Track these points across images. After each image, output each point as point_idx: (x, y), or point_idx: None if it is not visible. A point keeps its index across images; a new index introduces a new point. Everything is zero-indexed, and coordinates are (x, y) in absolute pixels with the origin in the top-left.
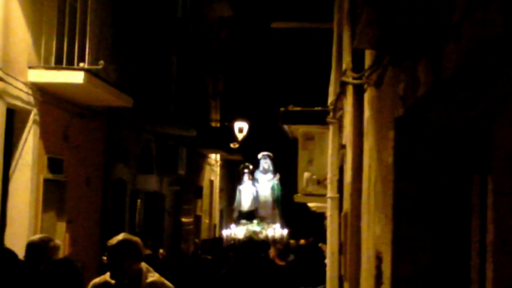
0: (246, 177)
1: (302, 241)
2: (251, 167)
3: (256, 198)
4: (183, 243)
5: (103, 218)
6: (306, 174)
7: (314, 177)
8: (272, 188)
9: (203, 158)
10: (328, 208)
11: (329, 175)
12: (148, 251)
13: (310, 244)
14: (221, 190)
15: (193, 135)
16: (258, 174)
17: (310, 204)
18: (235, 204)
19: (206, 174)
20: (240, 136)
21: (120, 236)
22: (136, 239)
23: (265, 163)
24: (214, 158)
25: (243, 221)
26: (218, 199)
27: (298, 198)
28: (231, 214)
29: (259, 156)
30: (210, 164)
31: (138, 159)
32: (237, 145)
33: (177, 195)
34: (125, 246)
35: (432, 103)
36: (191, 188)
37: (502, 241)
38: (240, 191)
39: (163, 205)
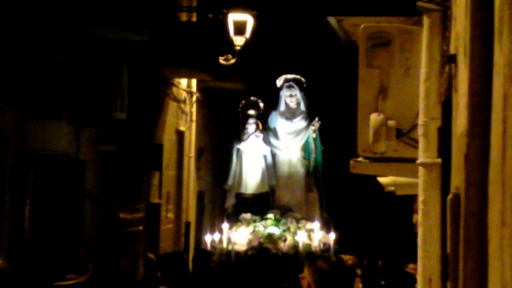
0: (251, 127)
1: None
2: (261, 105)
3: (271, 170)
4: (123, 261)
5: None
6: (374, 118)
7: (391, 122)
8: (305, 148)
9: (164, 87)
10: (420, 186)
11: (420, 119)
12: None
13: (388, 265)
14: (200, 152)
15: (143, 40)
16: (276, 120)
17: (382, 180)
18: (230, 181)
19: (169, 119)
20: (239, 42)
21: None
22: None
23: (291, 96)
24: (186, 86)
25: (247, 215)
26: (194, 170)
27: (359, 166)
28: (222, 201)
29: (279, 82)
30: (177, 100)
31: (31, 90)
32: (232, 61)
33: (110, 164)
34: None
35: None
36: (139, 149)
37: None
38: (239, 155)
39: (82, 183)
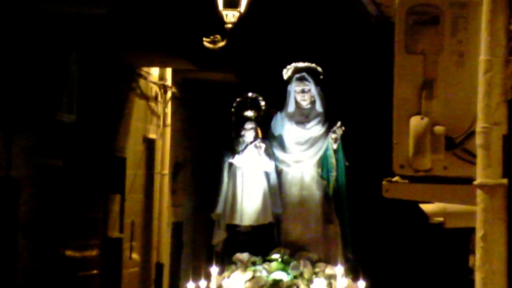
0: (248, 134)
1: None
2: (262, 104)
3: (276, 193)
4: None
5: None
6: (416, 123)
7: (439, 129)
8: (323, 163)
9: (129, 79)
10: (479, 216)
11: (479, 125)
12: None
13: None
14: (177, 168)
15: (100, 15)
16: (283, 125)
17: (427, 208)
18: (219, 208)
19: (135, 123)
20: (230, 18)
21: None
22: None
23: (303, 91)
24: (159, 79)
25: (243, 255)
26: (168, 193)
27: (394, 189)
28: (208, 236)
29: (287, 73)
30: (146, 97)
31: None
32: (222, 43)
33: (54, 183)
34: None
35: None
36: (94, 164)
37: None
38: (232, 172)
39: (15, 209)
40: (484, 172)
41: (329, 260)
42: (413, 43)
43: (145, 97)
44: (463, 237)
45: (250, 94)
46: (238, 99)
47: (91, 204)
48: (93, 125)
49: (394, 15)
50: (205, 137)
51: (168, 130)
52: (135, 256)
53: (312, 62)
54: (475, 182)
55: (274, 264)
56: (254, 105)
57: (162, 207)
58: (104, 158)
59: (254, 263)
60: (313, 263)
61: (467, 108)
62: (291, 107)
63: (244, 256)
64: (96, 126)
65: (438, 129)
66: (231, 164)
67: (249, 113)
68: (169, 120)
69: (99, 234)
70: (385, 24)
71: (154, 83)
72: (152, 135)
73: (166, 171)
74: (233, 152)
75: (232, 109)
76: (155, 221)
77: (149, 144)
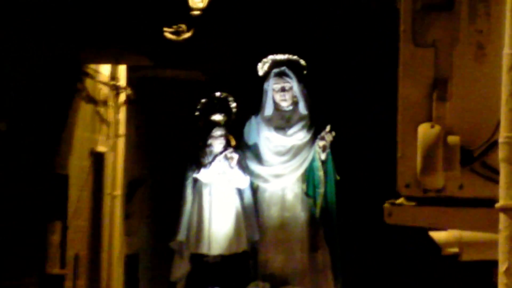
0: (217, 143)
1: None
2: (233, 105)
3: (252, 215)
4: None
5: None
6: (426, 131)
7: (453, 139)
8: (309, 177)
9: (72, 79)
10: (501, 246)
11: (502, 134)
12: None
13: None
14: (132, 187)
15: None
16: (258, 132)
17: (439, 236)
18: (181, 235)
19: (80, 133)
20: (198, 4)
21: None
22: None
23: (284, 90)
24: (110, 78)
25: None
26: (121, 219)
27: (399, 213)
28: (169, 268)
29: (263, 67)
30: (95, 101)
31: None
32: (187, 34)
33: None
34: None
35: None
36: (28, 183)
37: None
38: (197, 190)
39: None
40: (508, 192)
41: None
42: (423, 33)
43: (93, 100)
44: (483, 272)
45: (218, 94)
46: (203, 100)
47: (26, 234)
48: (28, 135)
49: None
50: (167, 150)
51: (121, 142)
52: None
53: (293, 54)
54: (498, 205)
55: None
56: (223, 107)
57: (113, 236)
58: (41, 176)
59: None
60: None
61: (487, 113)
62: (268, 110)
63: None
64: (32, 137)
65: (452, 139)
66: (196, 180)
67: (217, 117)
68: (122, 129)
69: (36, 271)
70: (389, 9)
71: (104, 83)
72: (101, 148)
73: (118, 191)
74: (199, 165)
75: (197, 113)
76: (104, 254)
77: (98, 159)
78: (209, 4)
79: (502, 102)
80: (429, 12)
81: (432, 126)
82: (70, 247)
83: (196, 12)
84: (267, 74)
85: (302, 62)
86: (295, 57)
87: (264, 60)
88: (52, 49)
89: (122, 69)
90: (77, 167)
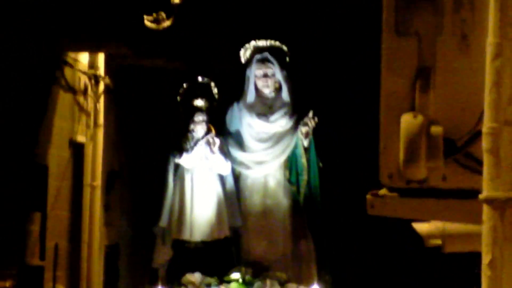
0: (198, 128)
1: None
2: (215, 91)
3: (234, 201)
4: None
5: None
6: (408, 121)
7: (436, 129)
8: (291, 164)
9: (50, 67)
10: (485, 238)
11: (486, 124)
12: None
13: None
14: (112, 178)
15: None
16: (241, 118)
17: (421, 227)
18: (163, 220)
19: (59, 123)
20: None
21: None
22: None
23: (266, 76)
24: (88, 67)
25: (194, 276)
26: (101, 210)
27: (381, 205)
28: (150, 258)
29: (245, 53)
30: (73, 90)
31: None
32: (167, 23)
33: None
34: None
35: None
36: (7, 174)
37: None
38: (179, 175)
39: None
40: (492, 183)
41: (301, 281)
42: (405, 22)
43: (72, 90)
44: (466, 264)
45: (200, 79)
46: (185, 85)
47: (5, 225)
48: (5, 126)
49: None
50: (147, 139)
51: (101, 131)
52: (59, 287)
53: (276, 40)
54: (481, 196)
55: (234, 285)
56: (205, 92)
57: (93, 226)
58: (20, 166)
59: (209, 285)
60: (282, 284)
61: (471, 103)
62: (250, 96)
63: (196, 276)
64: (9, 127)
65: (436, 129)
66: (177, 166)
67: (199, 103)
68: (101, 118)
69: (14, 262)
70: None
71: (83, 72)
72: (80, 138)
73: (98, 182)
74: (180, 150)
75: (178, 98)
76: (84, 245)
77: (77, 149)
78: None
79: (486, 92)
80: (412, 1)
81: (415, 116)
82: (50, 237)
83: (176, 1)
84: (249, 61)
85: (285, 48)
86: (277, 43)
87: (246, 46)
88: (30, 37)
89: (101, 58)
90: (57, 157)
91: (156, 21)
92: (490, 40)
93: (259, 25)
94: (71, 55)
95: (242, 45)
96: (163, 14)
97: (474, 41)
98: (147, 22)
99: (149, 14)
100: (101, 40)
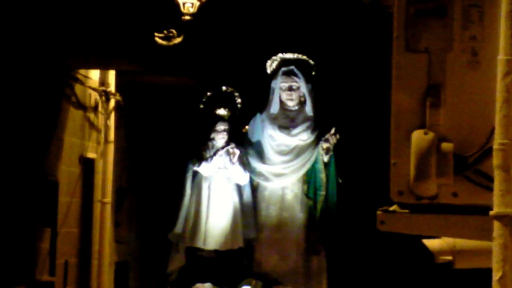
0: (219, 137)
1: None
2: (238, 101)
3: (250, 213)
4: None
5: None
6: (419, 138)
7: (447, 146)
8: (310, 178)
9: (61, 84)
10: (495, 254)
11: (497, 141)
12: None
13: None
14: (122, 194)
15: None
16: (263, 130)
17: (432, 244)
18: (178, 227)
19: (69, 139)
20: (189, 9)
21: None
22: None
23: (291, 89)
24: (99, 84)
25: (205, 286)
26: (111, 226)
27: (392, 220)
28: (157, 277)
29: (271, 65)
30: (84, 107)
31: None
32: (178, 40)
33: None
34: None
35: None
36: (16, 190)
37: None
38: (197, 183)
39: None
40: (502, 199)
41: None
42: (416, 39)
43: (83, 106)
44: (476, 281)
45: (224, 88)
46: (209, 93)
47: (15, 241)
48: (17, 142)
49: (392, 4)
50: (157, 156)
51: (111, 148)
52: None
53: (305, 55)
54: (492, 212)
55: None
56: (229, 101)
57: (103, 243)
58: (30, 182)
59: None
60: None
61: (481, 120)
62: (274, 108)
63: (206, 286)
64: (20, 143)
65: (446, 146)
66: (195, 174)
67: (222, 112)
68: (112, 135)
69: (24, 278)
70: (382, 14)
71: (94, 89)
72: (91, 154)
73: (108, 198)
74: (200, 158)
75: (201, 105)
76: (94, 261)
77: (87, 165)
78: (199, 9)
79: (497, 108)
80: (422, 18)
81: (426, 133)
82: (60, 254)
83: (187, 17)
84: (275, 72)
85: (311, 62)
86: (304, 57)
87: (273, 58)
88: (41, 53)
89: (111, 75)
90: (67, 173)
91: (167, 38)
92: (501, 57)
93: (278, 41)
94: (82, 72)
95: (253, 59)
96: (174, 31)
97: (484, 58)
98: (158, 39)
99: (160, 31)
100: (112, 57)
